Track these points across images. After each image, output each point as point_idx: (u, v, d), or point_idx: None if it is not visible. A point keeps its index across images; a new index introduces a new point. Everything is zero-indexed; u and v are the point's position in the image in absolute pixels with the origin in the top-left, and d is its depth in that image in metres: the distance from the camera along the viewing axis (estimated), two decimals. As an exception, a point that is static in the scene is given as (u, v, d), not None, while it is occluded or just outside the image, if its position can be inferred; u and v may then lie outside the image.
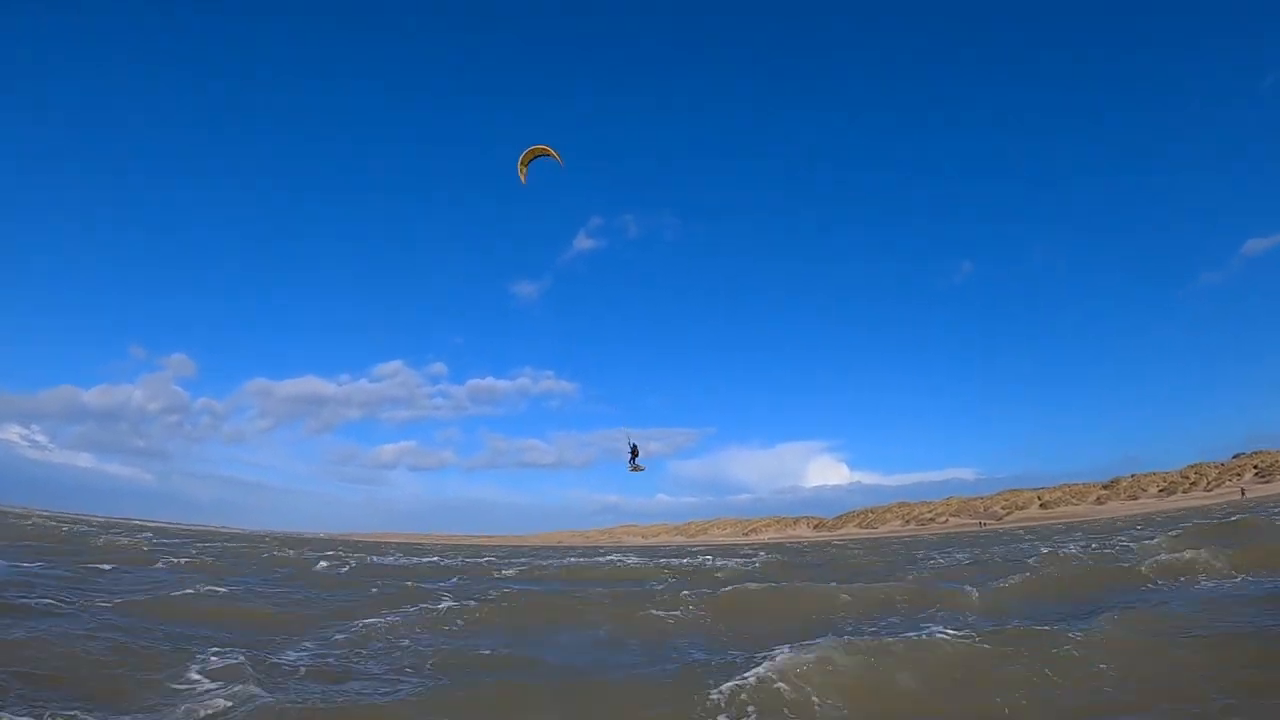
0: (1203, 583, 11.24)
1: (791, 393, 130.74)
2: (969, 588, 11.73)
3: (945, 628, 7.78)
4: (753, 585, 13.68)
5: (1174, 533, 18.13)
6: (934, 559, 20.90)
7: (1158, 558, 12.97)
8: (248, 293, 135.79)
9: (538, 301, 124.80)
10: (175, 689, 6.58)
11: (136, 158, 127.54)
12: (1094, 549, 18.05)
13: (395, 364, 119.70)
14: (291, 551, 31.63)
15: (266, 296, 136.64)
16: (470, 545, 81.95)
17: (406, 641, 9.33)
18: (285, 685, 6.75)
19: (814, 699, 6.07)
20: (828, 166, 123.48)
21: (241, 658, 7.50)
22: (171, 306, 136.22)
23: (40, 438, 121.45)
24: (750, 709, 5.85)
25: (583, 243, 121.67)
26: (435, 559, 32.85)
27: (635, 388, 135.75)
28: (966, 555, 21.76)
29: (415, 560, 30.53)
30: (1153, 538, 17.83)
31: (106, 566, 17.57)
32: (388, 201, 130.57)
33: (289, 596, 13.82)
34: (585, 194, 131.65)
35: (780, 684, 6.20)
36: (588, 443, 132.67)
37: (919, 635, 7.49)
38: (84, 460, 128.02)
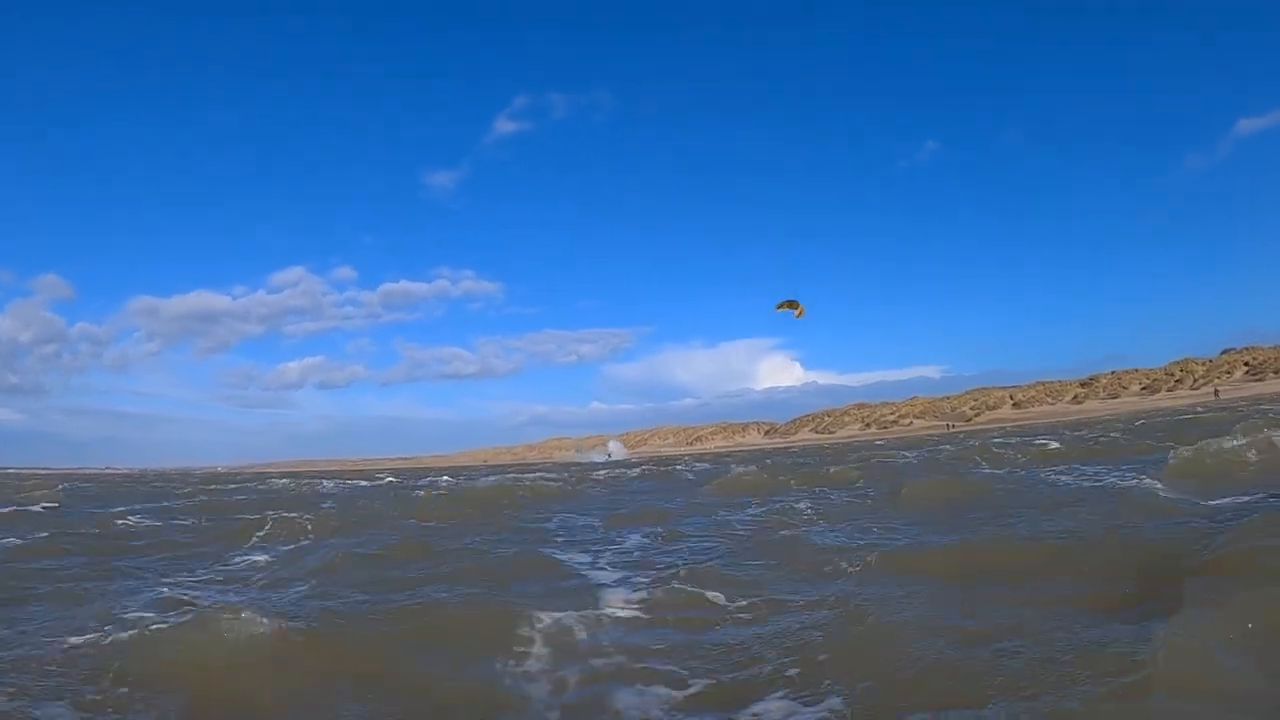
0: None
1: (736, 284, 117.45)
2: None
3: None
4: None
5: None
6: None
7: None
8: (125, 197, 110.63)
9: (455, 193, 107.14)
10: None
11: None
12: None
13: (297, 270, 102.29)
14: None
15: (146, 201, 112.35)
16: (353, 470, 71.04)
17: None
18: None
19: None
20: (774, 34, 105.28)
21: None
22: (38, 220, 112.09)
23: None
24: None
25: (504, 126, 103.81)
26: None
27: (565, 285, 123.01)
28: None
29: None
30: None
31: None
32: (279, 83, 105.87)
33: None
34: (506, 70, 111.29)
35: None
36: (514, 348, 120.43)
37: None
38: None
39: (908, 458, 18.66)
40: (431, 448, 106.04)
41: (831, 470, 15.77)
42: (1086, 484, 9.46)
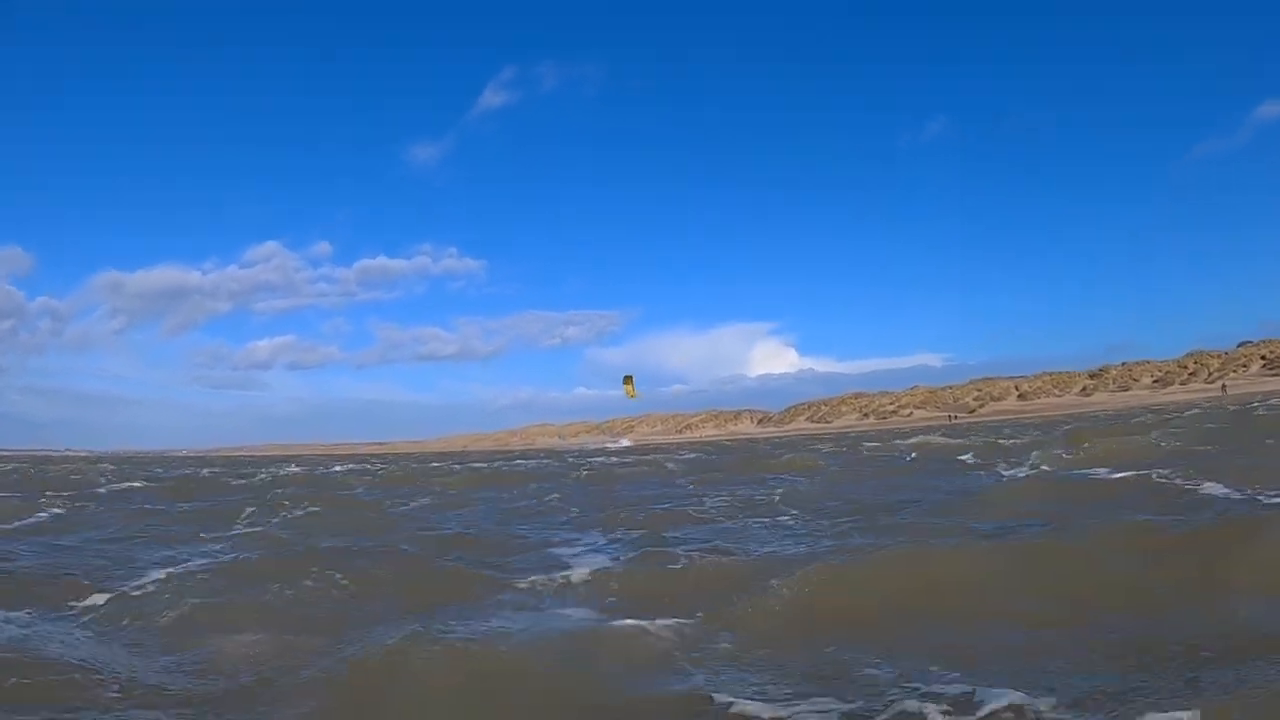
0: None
1: (730, 266, 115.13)
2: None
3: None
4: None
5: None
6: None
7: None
8: (90, 166, 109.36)
9: (438, 167, 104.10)
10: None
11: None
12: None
13: (270, 245, 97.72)
14: None
15: (113, 170, 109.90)
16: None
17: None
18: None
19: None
20: (770, 6, 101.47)
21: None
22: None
23: None
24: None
25: (491, 98, 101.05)
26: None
27: (550, 264, 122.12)
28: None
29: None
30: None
31: None
32: (254, 51, 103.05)
33: None
34: (494, 39, 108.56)
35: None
36: (496, 329, 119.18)
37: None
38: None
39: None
40: (408, 433, 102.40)
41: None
42: (973, 469, 10.56)
